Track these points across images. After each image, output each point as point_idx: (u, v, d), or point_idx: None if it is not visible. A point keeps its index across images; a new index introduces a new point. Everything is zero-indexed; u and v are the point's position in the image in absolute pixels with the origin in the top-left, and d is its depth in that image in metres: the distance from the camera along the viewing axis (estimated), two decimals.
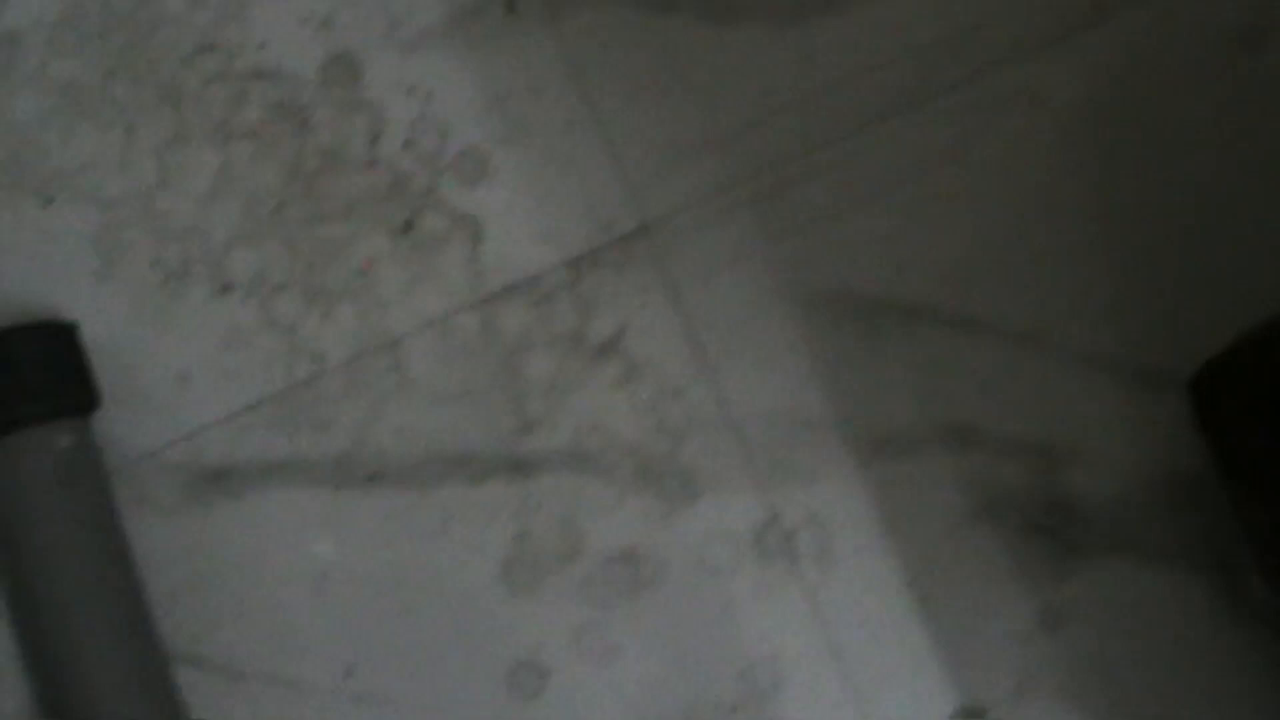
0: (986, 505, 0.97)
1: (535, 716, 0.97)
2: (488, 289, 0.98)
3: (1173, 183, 0.98)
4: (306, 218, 0.98)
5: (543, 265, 0.98)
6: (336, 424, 0.97)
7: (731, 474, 0.97)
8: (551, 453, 0.97)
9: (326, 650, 0.97)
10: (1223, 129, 0.98)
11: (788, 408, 0.97)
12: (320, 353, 0.97)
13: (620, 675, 0.97)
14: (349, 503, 0.97)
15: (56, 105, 0.97)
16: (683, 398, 0.97)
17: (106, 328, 0.97)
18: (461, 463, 0.97)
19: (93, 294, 0.97)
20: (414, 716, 0.97)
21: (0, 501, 0.94)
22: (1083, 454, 0.98)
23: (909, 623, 0.97)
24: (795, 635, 0.97)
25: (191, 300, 0.97)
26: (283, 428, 0.97)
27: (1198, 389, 0.90)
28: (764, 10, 0.98)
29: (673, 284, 0.98)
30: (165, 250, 0.97)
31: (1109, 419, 0.98)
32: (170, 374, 0.97)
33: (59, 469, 0.93)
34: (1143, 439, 0.98)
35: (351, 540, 0.97)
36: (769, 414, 0.98)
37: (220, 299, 0.97)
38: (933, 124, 0.98)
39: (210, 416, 0.97)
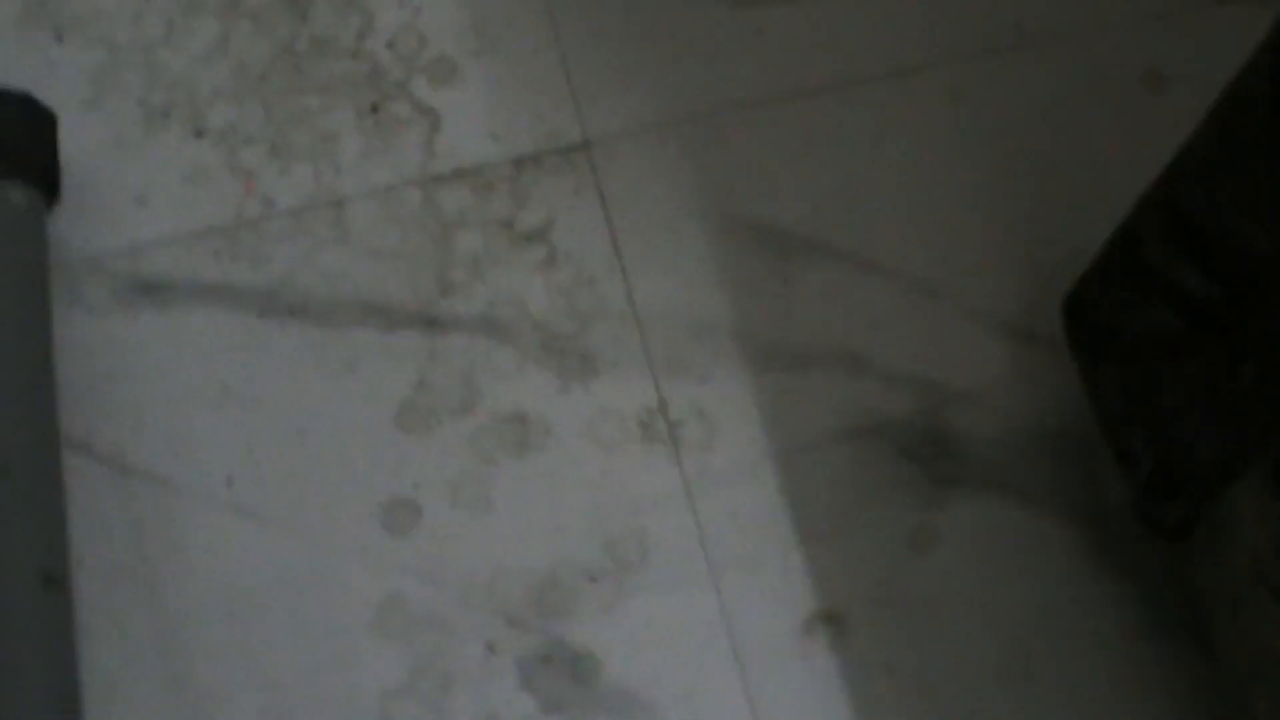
0: (867, 427, 1.02)
1: (400, 551, 0.98)
2: (436, 170, 1.06)
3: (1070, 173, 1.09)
4: (287, 88, 1.08)
5: (490, 159, 1.07)
6: (272, 261, 1.04)
7: (629, 361, 1.03)
8: (465, 316, 1.03)
9: (212, 458, 0.99)
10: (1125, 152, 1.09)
11: (691, 312, 1.04)
12: (272, 199, 1.05)
13: (491, 527, 0.99)
14: (267, 331, 1.02)
15: None
16: (595, 288, 1.04)
17: (82, 147, 1.05)
18: (379, 311, 1.03)
19: (79, 118, 1.06)
20: (284, 533, 0.98)
21: None
22: (963, 397, 1.03)
23: (778, 523, 1.00)
24: (666, 517, 1.00)
25: (166, 139, 1.06)
26: (222, 257, 1.04)
27: (1072, 306, 0.97)
28: None
29: (603, 192, 1.06)
30: (153, 94, 1.07)
31: (991, 370, 1.04)
32: (130, 194, 1.05)
33: (5, 222, 0.99)
34: (1022, 393, 1.03)
35: (261, 365, 1.01)
36: (672, 314, 1.04)
37: (193, 141, 1.06)
38: (859, 105, 1.10)
39: (157, 235, 1.04)
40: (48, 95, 1.05)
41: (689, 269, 1.05)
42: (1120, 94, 1.12)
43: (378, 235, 1.05)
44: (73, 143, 1.04)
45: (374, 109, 1.08)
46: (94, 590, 0.96)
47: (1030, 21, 1.13)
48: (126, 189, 1.05)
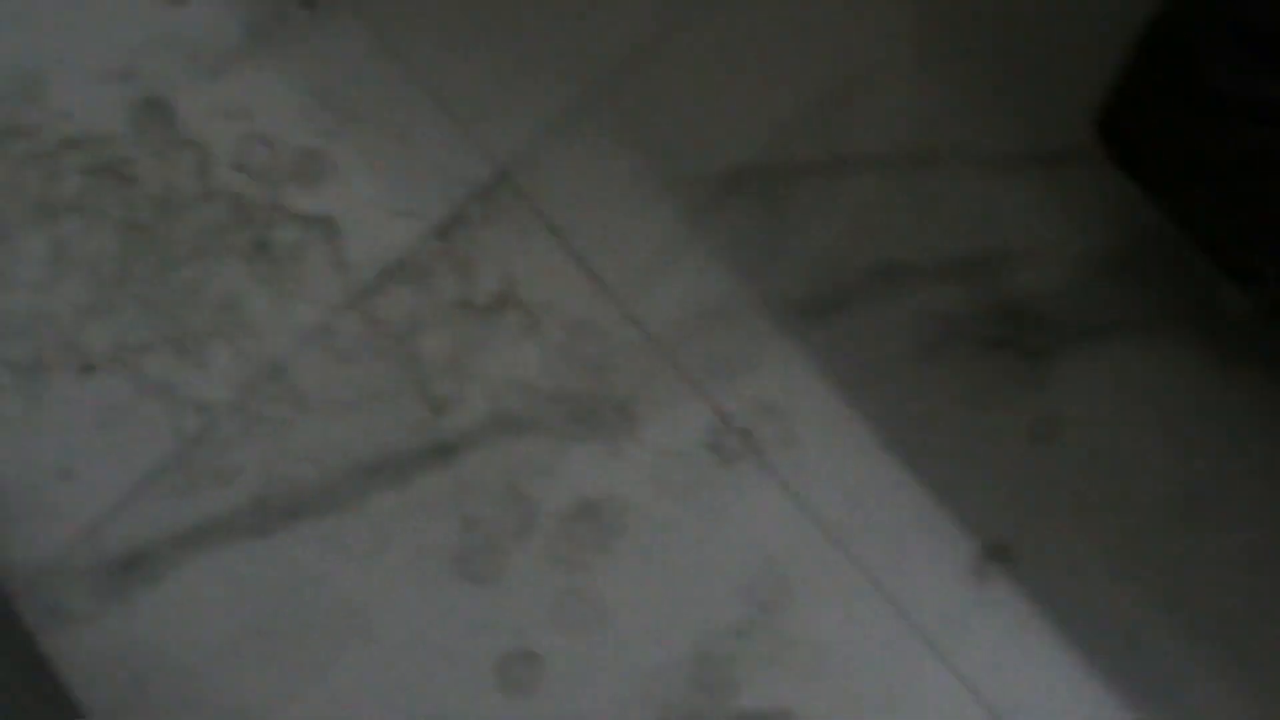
0: (938, 336, 0.90)
1: (536, 706, 0.87)
2: (360, 283, 0.91)
3: None
4: (155, 270, 0.91)
5: (410, 241, 0.92)
6: (241, 470, 0.89)
7: (666, 388, 0.90)
8: (473, 426, 0.90)
9: (278, 700, 0.87)
10: None
11: (702, 303, 0.91)
12: (204, 402, 0.90)
13: (616, 636, 0.87)
14: (275, 545, 0.88)
15: None
16: (592, 328, 0.91)
17: None
18: (381, 468, 0.89)
19: None
20: None
21: None
22: (1013, 255, 0.91)
23: (898, 481, 0.89)
24: (783, 532, 0.88)
25: (55, 390, 0.90)
26: (184, 492, 0.89)
27: (1108, 128, 0.84)
28: None
29: (546, 218, 0.92)
30: (13, 348, 0.91)
31: (1027, 213, 0.92)
32: (50, 473, 0.89)
33: None
34: (1066, 222, 0.92)
35: (289, 584, 0.88)
36: (685, 316, 0.91)
37: (84, 379, 0.90)
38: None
39: (104, 505, 0.89)
40: None
41: (675, 256, 0.92)
42: None
43: (336, 385, 0.90)
44: None
45: (260, 247, 0.92)
46: None
47: None
48: (43, 468, 0.90)
